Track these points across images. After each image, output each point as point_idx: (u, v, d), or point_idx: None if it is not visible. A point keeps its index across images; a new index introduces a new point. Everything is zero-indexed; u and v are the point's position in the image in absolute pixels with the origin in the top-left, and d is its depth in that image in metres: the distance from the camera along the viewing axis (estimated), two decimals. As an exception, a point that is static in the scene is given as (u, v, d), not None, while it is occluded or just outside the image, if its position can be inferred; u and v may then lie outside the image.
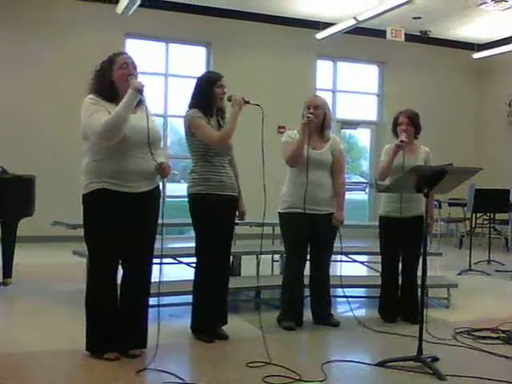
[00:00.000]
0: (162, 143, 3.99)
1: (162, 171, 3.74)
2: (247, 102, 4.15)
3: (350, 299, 5.33)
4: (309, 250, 4.74)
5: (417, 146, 5.01)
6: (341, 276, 5.07)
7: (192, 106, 4.22)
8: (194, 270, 4.36)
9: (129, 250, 3.74)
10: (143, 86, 3.64)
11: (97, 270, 3.73)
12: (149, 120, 3.66)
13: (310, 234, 4.64)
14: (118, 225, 3.64)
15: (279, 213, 4.73)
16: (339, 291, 5.51)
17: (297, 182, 4.63)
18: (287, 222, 4.69)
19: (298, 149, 4.55)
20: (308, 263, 4.79)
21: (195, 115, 4.15)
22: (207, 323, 4.21)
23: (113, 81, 3.70)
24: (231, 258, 4.79)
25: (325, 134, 4.72)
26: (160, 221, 3.87)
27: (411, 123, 4.89)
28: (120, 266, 3.81)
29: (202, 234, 4.21)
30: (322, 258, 4.76)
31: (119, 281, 3.80)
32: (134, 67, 3.75)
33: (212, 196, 4.13)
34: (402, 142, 4.76)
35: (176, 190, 10.34)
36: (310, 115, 4.55)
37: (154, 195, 3.82)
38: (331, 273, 4.92)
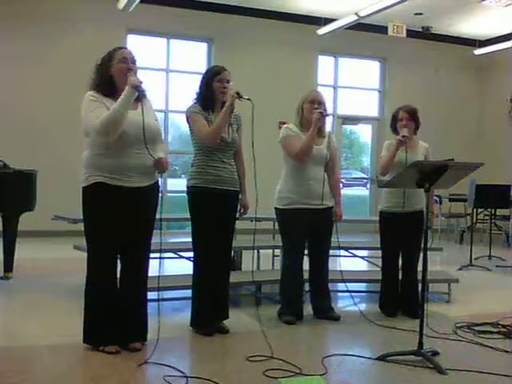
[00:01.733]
0: (161, 138, 3.97)
1: (160, 166, 3.73)
2: (240, 97, 4.06)
3: (351, 293, 5.33)
4: (306, 244, 4.72)
5: (416, 141, 5.01)
6: (341, 271, 5.08)
7: (195, 100, 4.23)
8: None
9: (127, 244, 3.74)
10: (141, 82, 3.62)
11: (96, 262, 3.73)
12: (146, 115, 3.63)
13: (309, 229, 4.62)
14: (117, 218, 3.64)
15: (278, 209, 4.67)
16: (340, 286, 5.53)
17: (297, 177, 4.60)
18: (288, 217, 4.63)
19: (309, 143, 4.51)
20: (305, 258, 4.78)
21: (192, 110, 4.17)
22: (205, 317, 4.20)
23: (112, 75, 3.69)
24: (232, 252, 4.79)
25: (322, 130, 4.71)
26: (159, 216, 3.85)
27: (412, 118, 4.89)
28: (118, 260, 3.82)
29: (197, 227, 4.20)
30: (322, 252, 4.76)
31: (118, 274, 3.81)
32: (133, 62, 3.72)
33: (209, 189, 4.12)
34: (404, 137, 4.75)
35: (176, 185, 10.37)
36: (322, 110, 4.55)
37: (153, 190, 3.81)
38: (332, 267, 4.92)
